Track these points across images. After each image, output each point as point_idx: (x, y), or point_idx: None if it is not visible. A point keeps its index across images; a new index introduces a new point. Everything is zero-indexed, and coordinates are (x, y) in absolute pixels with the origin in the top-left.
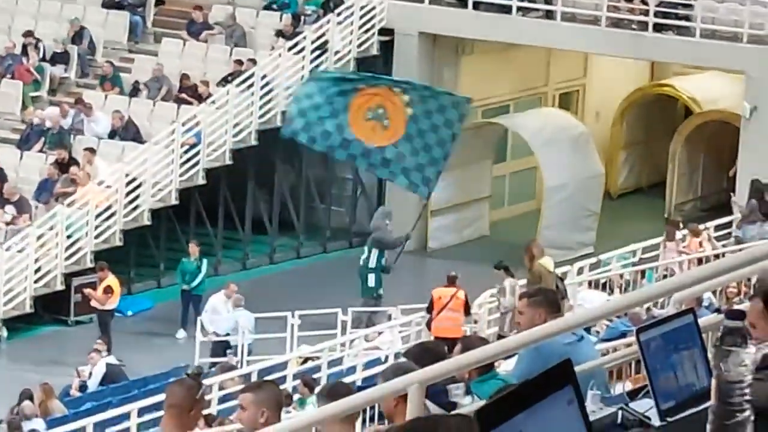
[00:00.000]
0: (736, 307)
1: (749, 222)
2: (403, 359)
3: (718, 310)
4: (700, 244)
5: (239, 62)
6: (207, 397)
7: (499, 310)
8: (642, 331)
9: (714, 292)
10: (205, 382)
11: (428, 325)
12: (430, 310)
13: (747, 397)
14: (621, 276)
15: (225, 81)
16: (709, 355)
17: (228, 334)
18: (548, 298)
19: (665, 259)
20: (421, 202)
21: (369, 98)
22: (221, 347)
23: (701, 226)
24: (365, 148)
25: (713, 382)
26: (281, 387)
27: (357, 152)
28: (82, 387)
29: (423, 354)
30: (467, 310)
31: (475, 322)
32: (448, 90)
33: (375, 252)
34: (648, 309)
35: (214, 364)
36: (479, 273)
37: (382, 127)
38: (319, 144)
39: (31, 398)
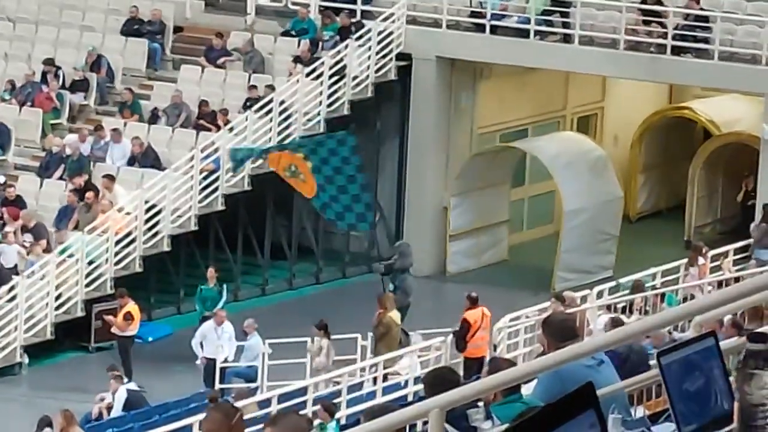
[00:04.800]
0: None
1: (762, 246)
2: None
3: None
4: (719, 267)
5: (253, 88)
6: None
7: (314, 366)
8: (663, 354)
9: (735, 315)
10: None
11: (459, 347)
12: (464, 334)
13: None
14: (640, 300)
15: (245, 107)
16: (731, 378)
17: (226, 360)
18: (552, 328)
19: (688, 283)
20: (437, 226)
21: (278, 159)
22: (211, 376)
23: (720, 250)
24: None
25: (736, 405)
26: (301, 413)
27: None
28: (109, 411)
29: (437, 381)
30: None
31: (495, 347)
32: (327, 133)
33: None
34: (669, 332)
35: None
36: (499, 297)
37: (301, 181)
38: None
39: (50, 425)
